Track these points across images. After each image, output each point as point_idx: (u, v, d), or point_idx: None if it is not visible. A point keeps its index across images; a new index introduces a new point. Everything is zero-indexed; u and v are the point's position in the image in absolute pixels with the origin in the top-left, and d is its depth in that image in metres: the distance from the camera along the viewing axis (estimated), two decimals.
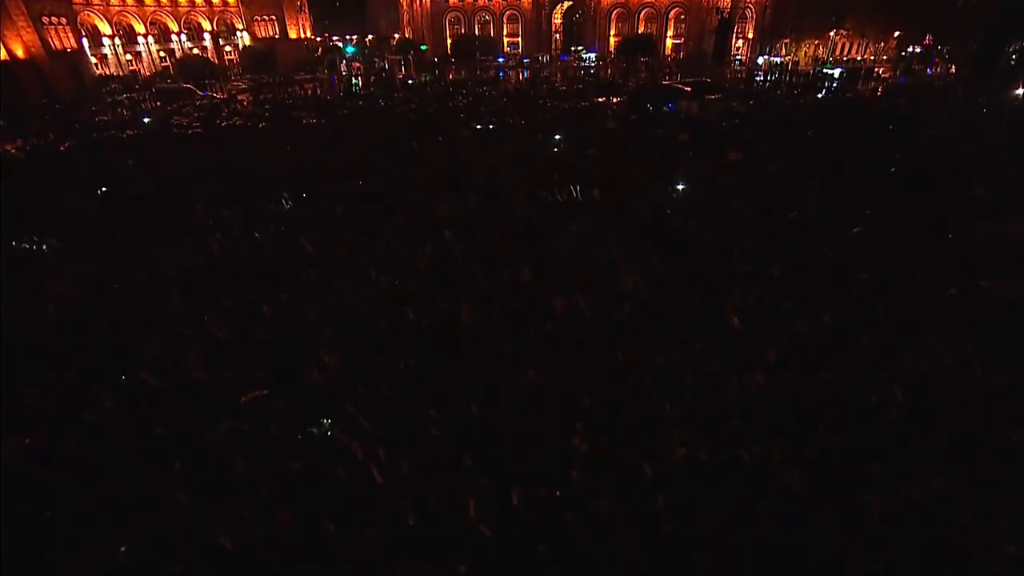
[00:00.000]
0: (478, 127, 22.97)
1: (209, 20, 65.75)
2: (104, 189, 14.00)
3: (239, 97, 34.12)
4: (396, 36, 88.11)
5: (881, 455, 5.82)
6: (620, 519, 5.25)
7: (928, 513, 5.28)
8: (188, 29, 63.63)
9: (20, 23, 41.82)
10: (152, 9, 58.72)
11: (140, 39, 57.98)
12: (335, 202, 13.36)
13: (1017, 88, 26.83)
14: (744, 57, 51.82)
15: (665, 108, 27.10)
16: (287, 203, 13.10)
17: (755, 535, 5.12)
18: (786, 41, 62.41)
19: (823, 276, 9.63)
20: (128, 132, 22.38)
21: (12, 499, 5.34)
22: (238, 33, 68.66)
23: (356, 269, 9.98)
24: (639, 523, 5.24)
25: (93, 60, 49.71)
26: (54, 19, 44.78)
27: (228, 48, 66.90)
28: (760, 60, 50.47)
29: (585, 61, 50.71)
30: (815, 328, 8.06)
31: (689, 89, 27.67)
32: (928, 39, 53.41)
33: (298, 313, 8.54)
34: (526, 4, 78.40)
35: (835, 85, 36.28)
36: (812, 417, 6.37)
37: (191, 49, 61.28)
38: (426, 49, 77.78)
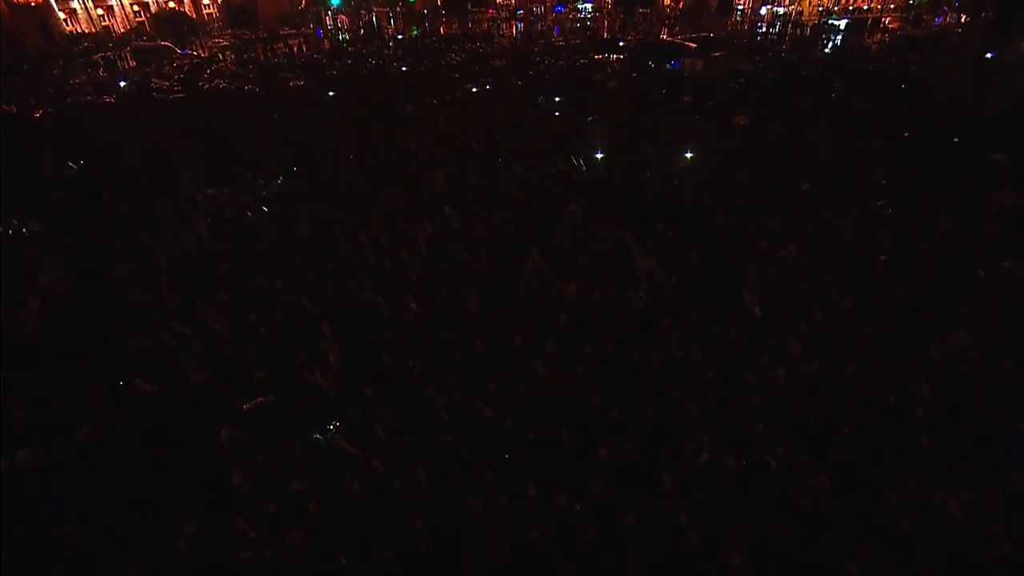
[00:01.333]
0: (474, 89, 21.95)
1: None
2: (83, 164, 13.25)
3: (221, 56, 32.41)
4: None
5: (909, 459, 5.66)
6: (644, 533, 5.09)
7: (957, 523, 5.15)
8: None
9: None
10: None
11: None
12: (328, 177, 12.75)
13: None
14: (746, 7, 49.69)
15: (667, 65, 25.98)
16: (278, 179, 12.46)
17: (784, 547, 4.98)
18: None
19: (840, 257, 9.29)
20: (105, 97, 21.21)
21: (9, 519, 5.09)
22: None
23: (354, 253, 9.53)
24: (664, 536, 5.08)
25: (61, 16, 46.94)
26: None
27: (206, 1, 63.42)
28: (763, 11, 48.44)
29: (581, 12, 48.41)
30: (835, 316, 7.80)
31: (694, 45, 26.45)
32: None
33: (296, 304, 8.17)
34: None
35: (840, 38, 34.89)
36: (837, 416, 6.17)
37: (167, 3, 57.99)
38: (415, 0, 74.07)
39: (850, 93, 19.57)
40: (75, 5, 49.27)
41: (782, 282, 8.44)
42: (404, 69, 26.45)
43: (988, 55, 22.26)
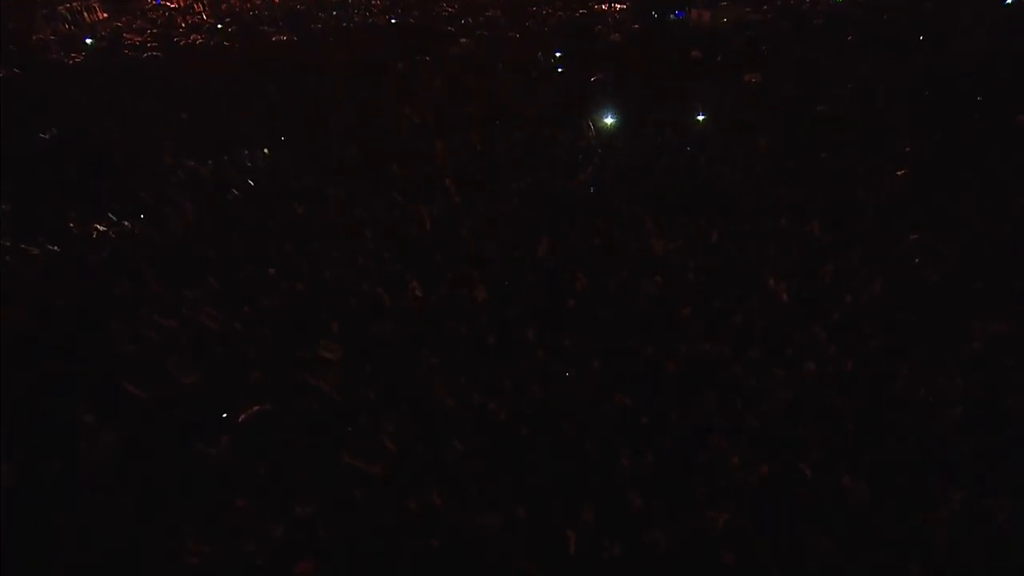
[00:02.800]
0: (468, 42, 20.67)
1: None
2: (54, 134, 12.33)
3: (196, 6, 30.39)
4: None
5: (949, 464, 5.38)
6: (674, 549, 4.81)
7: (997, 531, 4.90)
8: None
9: None
10: None
11: None
12: (318, 146, 11.94)
13: None
14: None
15: (672, 16, 24.58)
16: (264, 149, 11.64)
17: (823, 564, 4.72)
18: None
19: (865, 234, 8.79)
20: (73, 56, 19.74)
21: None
22: None
23: (352, 235, 8.93)
24: (695, 553, 4.81)
25: None
26: None
27: None
28: None
29: None
30: (864, 300, 7.39)
31: None
32: None
33: (292, 293, 7.65)
34: None
35: None
36: (872, 417, 5.84)
37: None
38: None
39: (864, 45, 18.58)
40: None
41: (806, 264, 7.99)
42: (393, 21, 24.89)
43: (1007, 1, 21.24)
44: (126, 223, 8.96)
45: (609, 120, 12.42)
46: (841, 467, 5.29)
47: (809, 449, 5.45)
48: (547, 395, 6.07)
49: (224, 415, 5.87)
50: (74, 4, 32.20)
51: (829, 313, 7.14)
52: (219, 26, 25.03)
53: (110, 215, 9.01)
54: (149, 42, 22.26)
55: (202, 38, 22.51)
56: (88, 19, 29.37)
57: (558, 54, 18.39)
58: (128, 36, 23.40)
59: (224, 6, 30.64)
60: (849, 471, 5.25)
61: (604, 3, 27.55)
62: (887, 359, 6.48)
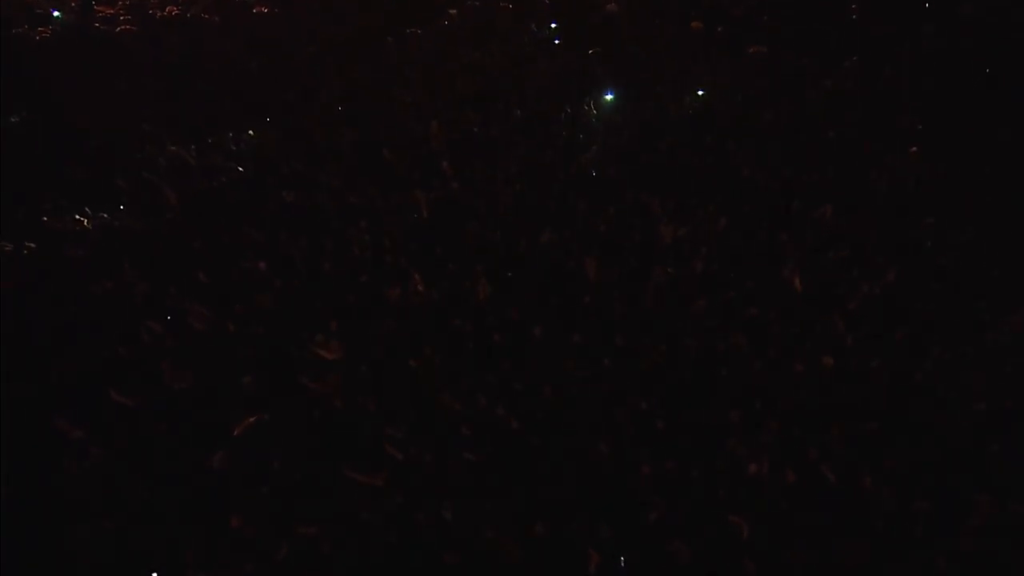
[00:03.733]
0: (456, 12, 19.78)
1: None
2: (23, 116, 11.62)
3: None
4: None
5: (973, 464, 5.23)
6: (697, 562, 4.63)
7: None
8: None
9: None
10: None
11: None
12: (307, 127, 11.35)
13: None
14: None
15: None
16: (248, 131, 11.05)
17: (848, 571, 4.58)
18: None
19: (878, 214, 8.53)
20: (41, 30, 18.69)
21: None
22: None
23: (347, 223, 8.50)
24: (719, 566, 4.64)
25: None
26: None
27: None
28: None
29: None
30: (879, 289, 7.16)
31: None
32: None
33: (286, 289, 7.27)
34: None
35: None
36: (894, 414, 5.66)
37: None
38: None
39: (869, 13, 18.00)
40: None
41: (819, 250, 7.72)
42: None
43: None
44: (104, 215, 8.46)
45: (608, 96, 11.92)
46: (864, 469, 5.13)
47: (831, 451, 5.27)
48: (558, 397, 5.81)
49: (219, 419, 5.55)
50: None
51: (844, 303, 6.92)
52: None
53: (86, 208, 8.50)
54: (122, 14, 21.00)
55: (178, 10, 21.33)
56: None
57: (553, 25, 17.65)
58: (99, 8, 22.11)
59: None
60: (873, 474, 5.09)
61: None
62: (906, 352, 6.29)
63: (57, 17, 19.85)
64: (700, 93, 12.17)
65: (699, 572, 4.56)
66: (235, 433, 5.25)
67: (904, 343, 6.39)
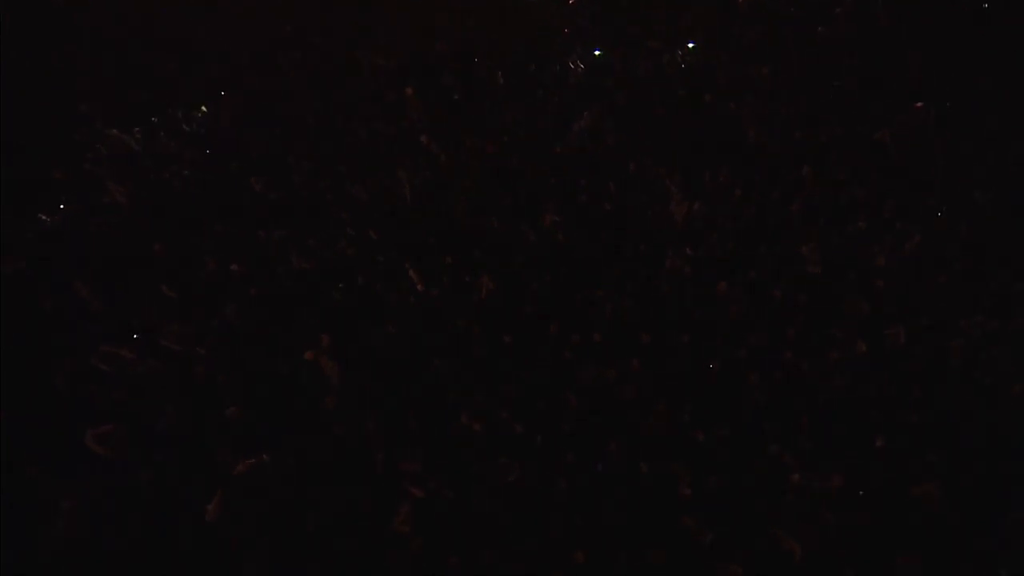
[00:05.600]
0: None
1: None
2: None
3: None
4: None
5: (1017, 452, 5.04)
6: None
7: None
8: None
9: None
10: None
11: None
12: (266, 100, 10.17)
13: None
14: None
15: None
16: (200, 108, 9.81)
17: None
18: None
19: (888, 175, 8.13)
20: None
21: None
22: None
23: (325, 214, 7.65)
24: None
25: None
26: None
27: None
28: None
29: None
30: (901, 262, 6.82)
31: None
32: None
33: (265, 296, 6.50)
34: None
35: None
36: (931, 403, 5.40)
37: None
38: None
39: None
40: None
41: (837, 222, 7.30)
42: None
43: None
44: (44, 217, 7.39)
45: (596, 52, 11.02)
46: (914, 468, 4.89)
47: (876, 449, 5.00)
48: (584, 408, 5.36)
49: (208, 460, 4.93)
50: None
51: (869, 280, 6.58)
52: None
53: (19, 209, 7.39)
54: None
55: None
56: None
57: None
58: None
59: None
60: (920, 472, 4.86)
61: None
62: (935, 332, 6.02)
63: None
64: (691, 46, 11.36)
65: None
66: (236, 471, 4.63)
67: (932, 321, 6.10)
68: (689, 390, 5.53)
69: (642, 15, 12.69)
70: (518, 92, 10.18)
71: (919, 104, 9.50)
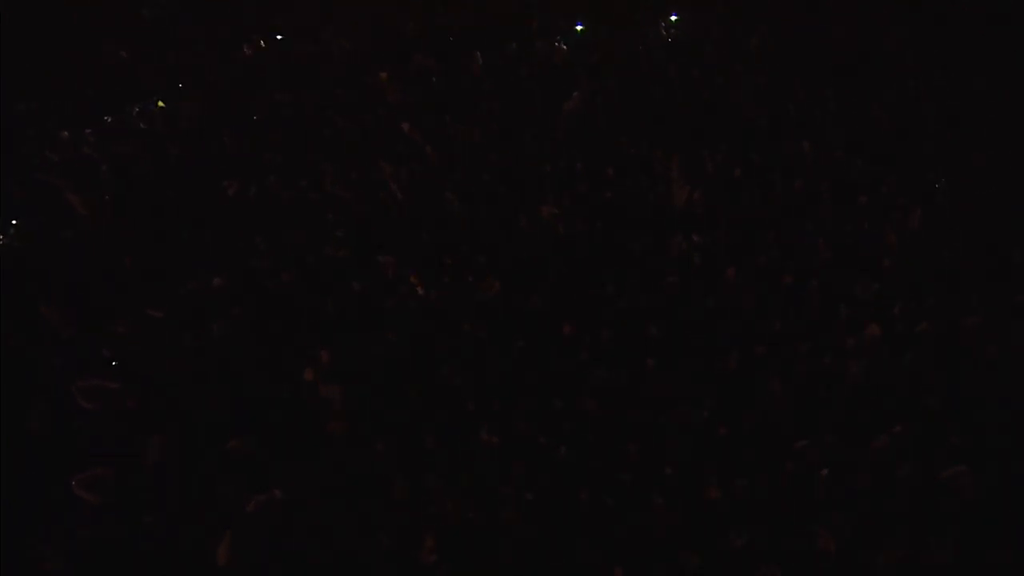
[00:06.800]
0: None
1: None
2: None
3: None
4: None
5: None
6: None
7: None
8: None
9: None
10: None
11: None
12: (228, 91, 9.43)
13: None
14: None
15: None
16: (157, 101, 9.03)
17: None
18: None
19: (894, 154, 7.93)
20: None
21: None
22: None
23: (309, 215, 7.12)
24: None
25: None
26: None
27: None
28: None
29: None
30: (906, 239, 6.73)
31: None
32: None
33: (254, 311, 6.04)
34: None
35: None
36: (948, 384, 5.36)
37: None
38: None
39: None
40: None
41: (840, 199, 7.15)
42: None
43: None
44: None
45: (579, 27, 10.55)
46: (940, 455, 4.85)
47: (900, 438, 4.94)
48: (605, 413, 5.15)
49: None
50: None
51: (875, 259, 6.48)
52: None
53: None
54: None
55: None
56: None
57: None
58: None
59: None
60: (947, 457, 4.82)
61: None
62: (945, 309, 5.97)
63: None
64: (674, 18, 10.96)
65: None
66: (249, 509, 4.28)
67: (941, 299, 6.05)
68: (707, 387, 5.36)
69: None
70: (500, 73, 9.70)
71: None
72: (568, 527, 4.51)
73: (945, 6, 10.42)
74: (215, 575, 4.23)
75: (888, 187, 7.30)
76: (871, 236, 6.70)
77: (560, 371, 5.47)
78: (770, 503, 4.65)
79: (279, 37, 10.19)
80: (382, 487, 4.65)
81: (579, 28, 10.44)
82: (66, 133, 8.00)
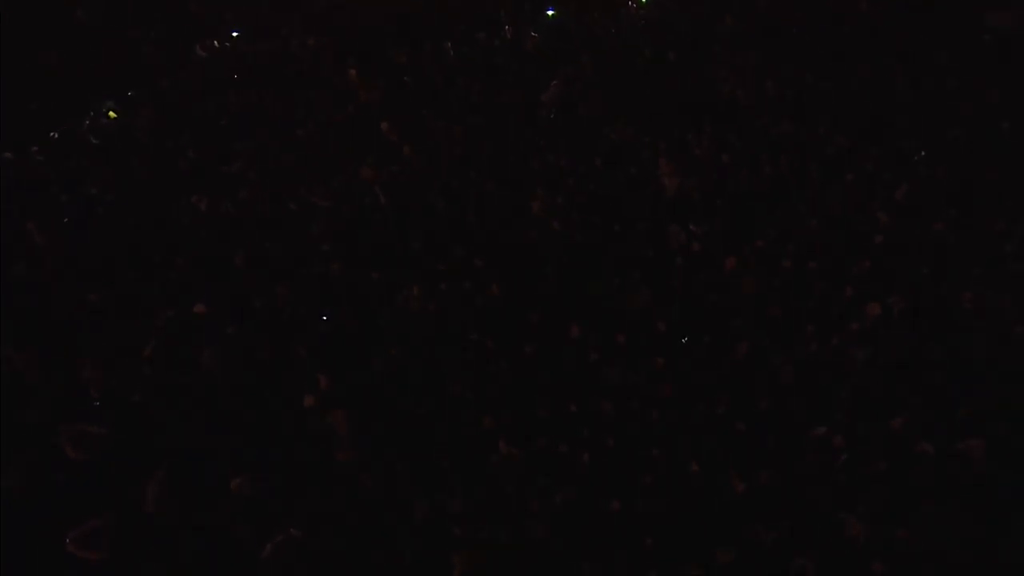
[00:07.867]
0: None
1: None
2: None
3: None
4: None
5: None
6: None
7: None
8: None
9: None
10: None
11: None
12: (185, 95, 8.82)
13: None
14: None
15: None
16: (111, 112, 8.35)
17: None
18: None
19: (883, 128, 7.94)
20: None
21: None
22: None
23: (290, 225, 6.72)
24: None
25: None
26: None
27: None
28: None
29: None
30: (894, 215, 6.79)
31: None
32: None
33: (242, 336, 5.67)
34: None
35: None
36: (950, 357, 5.45)
37: None
38: None
39: None
40: None
41: (827, 178, 7.16)
42: None
43: None
44: None
45: (549, 12, 10.25)
46: (954, 430, 4.93)
47: (915, 418, 5.01)
48: (621, 416, 5.05)
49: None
50: None
51: (868, 237, 6.52)
52: None
53: None
54: None
55: None
56: None
57: None
58: None
59: None
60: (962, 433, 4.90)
61: None
62: (940, 284, 6.06)
63: None
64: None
65: None
66: (264, 556, 4.02)
67: (934, 273, 6.14)
68: (719, 380, 5.32)
69: None
70: (472, 65, 9.34)
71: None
72: (600, 537, 4.42)
73: None
74: None
75: (872, 163, 7.36)
76: (861, 213, 6.76)
77: (571, 374, 5.35)
78: (795, 493, 4.66)
79: (235, 35, 9.52)
80: (403, 512, 4.46)
81: (550, 13, 10.14)
82: (9, 154, 7.32)
